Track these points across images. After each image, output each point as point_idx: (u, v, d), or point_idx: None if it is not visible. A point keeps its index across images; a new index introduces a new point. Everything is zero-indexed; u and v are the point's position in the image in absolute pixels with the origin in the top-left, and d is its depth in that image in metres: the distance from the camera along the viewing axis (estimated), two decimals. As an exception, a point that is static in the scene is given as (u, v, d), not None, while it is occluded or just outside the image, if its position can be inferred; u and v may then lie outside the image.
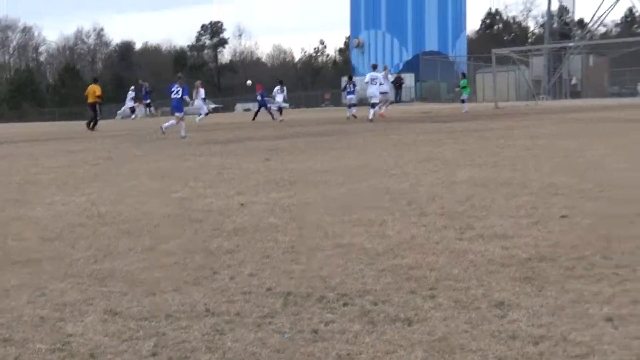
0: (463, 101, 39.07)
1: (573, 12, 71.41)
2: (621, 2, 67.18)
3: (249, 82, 43.07)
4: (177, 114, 25.18)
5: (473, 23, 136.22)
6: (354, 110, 34.06)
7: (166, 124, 25.90)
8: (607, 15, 72.12)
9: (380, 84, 32.42)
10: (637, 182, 10.18)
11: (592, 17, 73.08)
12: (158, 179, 12.68)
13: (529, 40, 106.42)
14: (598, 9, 72.32)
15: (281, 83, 40.68)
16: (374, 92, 31.89)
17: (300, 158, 15.42)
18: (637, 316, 4.71)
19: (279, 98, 39.69)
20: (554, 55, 65.82)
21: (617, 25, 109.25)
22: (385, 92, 33.94)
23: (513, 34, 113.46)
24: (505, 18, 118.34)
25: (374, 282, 5.68)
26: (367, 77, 32.78)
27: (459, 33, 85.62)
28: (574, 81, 63.96)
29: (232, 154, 17.19)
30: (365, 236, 7.29)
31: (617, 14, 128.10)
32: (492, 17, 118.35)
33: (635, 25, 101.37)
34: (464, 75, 43.05)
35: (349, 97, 34.52)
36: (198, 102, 38.50)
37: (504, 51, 53.81)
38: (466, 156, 14.35)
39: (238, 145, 19.75)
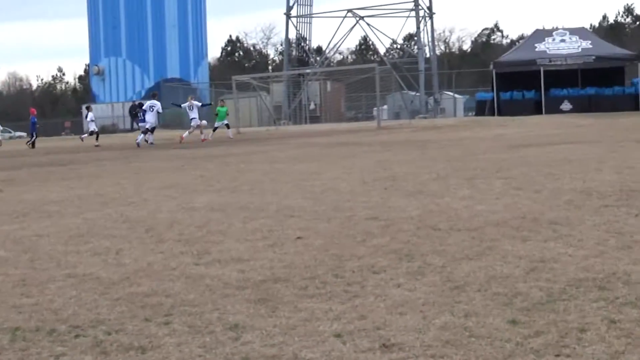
0: (226, 126, 38.42)
1: (310, 40, 73.69)
2: (355, 31, 70.12)
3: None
4: None
5: (214, 50, 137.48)
6: (142, 137, 34.53)
7: None
8: (342, 43, 75.08)
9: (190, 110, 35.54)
10: (367, 203, 10.62)
11: (328, 45, 75.85)
12: None
13: (270, 67, 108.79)
14: (333, 37, 75.20)
15: (88, 108, 41.33)
16: (149, 119, 33.73)
17: (36, 188, 14.91)
18: (365, 330, 4.89)
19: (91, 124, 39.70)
20: (294, 82, 67.64)
21: (352, 52, 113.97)
22: (194, 118, 36.04)
23: (254, 61, 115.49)
24: (245, 45, 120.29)
25: (108, 312, 5.56)
26: (147, 105, 34.78)
27: (200, 60, 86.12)
28: (312, 106, 65.91)
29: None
30: (100, 265, 7.14)
31: (352, 42, 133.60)
32: (233, 44, 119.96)
33: (370, 53, 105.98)
34: (222, 103, 42.65)
35: (141, 124, 35.48)
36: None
37: (245, 78, 54.72)
38: (206, 182, 14.43)
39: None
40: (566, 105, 49.50)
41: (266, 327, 5.03)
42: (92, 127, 39.75)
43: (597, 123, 31.65)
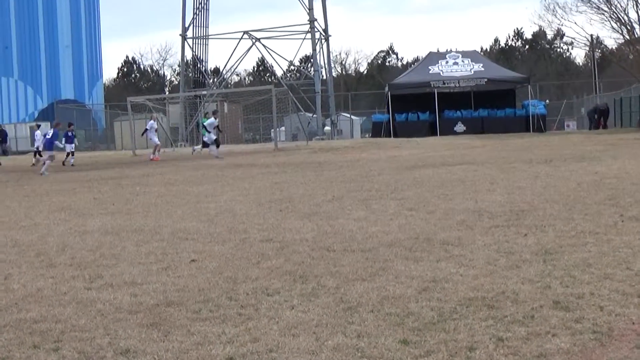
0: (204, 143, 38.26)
1: (206, 62, 73.35)
2: (252, 53, 70.01)
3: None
4: None
5: (110, 71, 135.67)
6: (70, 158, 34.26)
7: None
8: (238, 64, 74.95)
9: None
10: (262, 225, 10.61)
11: (225, 66, 75.63)
12: None
13: (167, 89, 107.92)
14: (230, 58, 75.10)
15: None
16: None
17: None
18: (257, 353, 4.88)
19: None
20: (190, 103, 67.15)
21: (249, 74, 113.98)
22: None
23: (150, 82, 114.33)
24: (142, 67, 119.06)
25: (-6, 340, 5.43)
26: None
27: (95, 81, 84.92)
28: (209, 128, 65.56)
29: None
30: (-13, 292, 6.96)
31: (249, 64, 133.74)
32: (130, 65, 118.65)
33: (267, 74, 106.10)
34: (205, 114, 42.73)
35: (68, 145, 34.37)
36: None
37: (140, 99, 54.03)
38: (99, 204, 14.21)
39: None
40: (460, 127, 50.37)
41: (158, 352, 4.98)
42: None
43: (489, 144, 32.31)
